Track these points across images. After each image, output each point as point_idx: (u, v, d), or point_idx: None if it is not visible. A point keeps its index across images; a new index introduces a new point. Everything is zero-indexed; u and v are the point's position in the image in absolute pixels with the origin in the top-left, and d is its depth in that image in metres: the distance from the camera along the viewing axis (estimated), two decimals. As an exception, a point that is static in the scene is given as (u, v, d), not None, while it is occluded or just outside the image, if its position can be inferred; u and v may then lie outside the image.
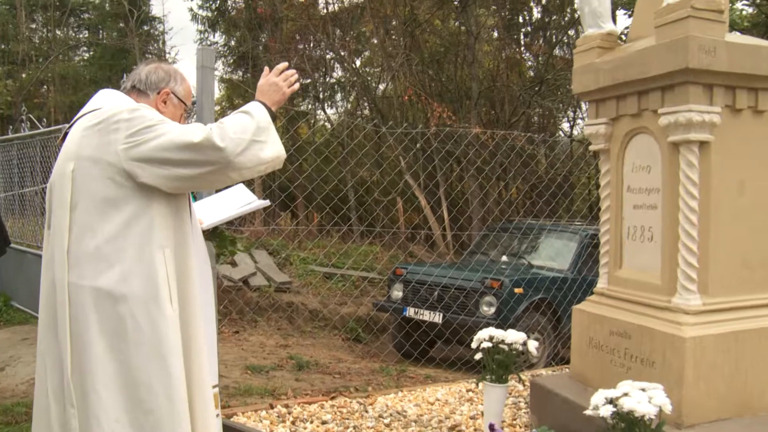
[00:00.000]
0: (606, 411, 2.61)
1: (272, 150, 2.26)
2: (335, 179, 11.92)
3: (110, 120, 2.18)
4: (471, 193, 12.37)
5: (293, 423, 4.01)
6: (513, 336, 3.61)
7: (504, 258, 8.26)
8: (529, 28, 17.28)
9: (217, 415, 2.48)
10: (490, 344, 3.62)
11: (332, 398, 4.51)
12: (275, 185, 11.38)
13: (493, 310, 6.95)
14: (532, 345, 3.66)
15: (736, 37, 3.16)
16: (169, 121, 2.23)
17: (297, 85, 2.50)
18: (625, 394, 2.63)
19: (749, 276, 3.21)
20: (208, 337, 2.47)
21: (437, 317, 7.22)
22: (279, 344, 7.85)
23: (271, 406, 4.27)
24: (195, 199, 3.25)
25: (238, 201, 2.84)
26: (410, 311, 7.54)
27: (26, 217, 7.16)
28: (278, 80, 2.44)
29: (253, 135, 2.20)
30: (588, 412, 2.67)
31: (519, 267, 7.77)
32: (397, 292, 7.88)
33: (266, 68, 2.52)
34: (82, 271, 2.11)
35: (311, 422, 4.02)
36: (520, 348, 3.65)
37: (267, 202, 2.75)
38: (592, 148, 3.65)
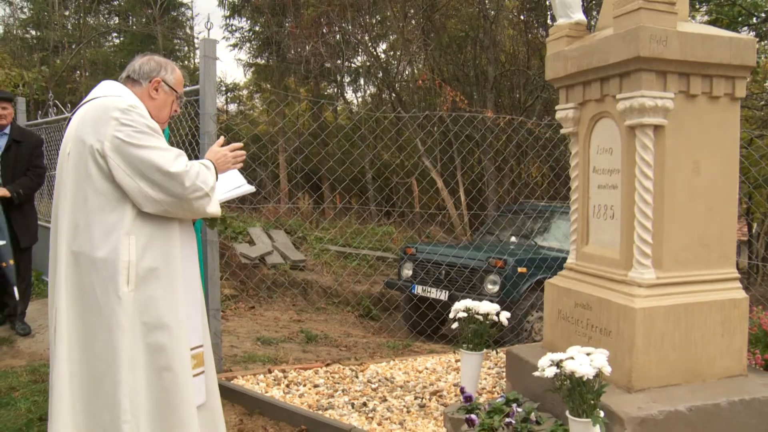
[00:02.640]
0: (551, 372, 2.86)
1: (213, 207, 2.67)
2: (361, 163, 12.22)
3: (104, 112, 2.51)
4: (488, 176, 12.55)
5: (287, 386, 4.34)
6: (486, 307, 3.86)
7: (513, 239, 8.49)
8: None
9: (201, 373, 2.79)
10: (465, 314, 3.89)
11: (327, 365, 4.83)
12: (301, 175, 11.69)
13: (496, 288, 7.20)
14: (504, 316, 3.91)
15: (690, 27, 3.32)
16: (154, 133, 2.52)
17: (241, 164, 2.94)
18: (570, 358, 2.88)
19: (705, 252, 3.41)
20: (192, 303, 2.78)
21: (443, 294, 7.51)
22: (293, 319, 8.21)
23: (269, 371, 4.61)
24: None
25: (230, 184, 3.09)
26: (418, 289, 7.84)
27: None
28: (229, 156, 2.86)
29: (209, 190, 2.61)
30: (536, 373, 2.93)
31: (527, 247, 7.98)
32: (407, 271, 8.18)
33: (222, 138, 2.97)
34: (69, 239, 2.49)
35: (304, 385, 4.35)
36: (495, 318, 3.91)
37: (253, 188, 3.03)
38: (562, 131, 3.86)
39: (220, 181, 3.10)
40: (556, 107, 3.90)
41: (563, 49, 3.69)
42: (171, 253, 2.60)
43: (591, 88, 3.55)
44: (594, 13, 12.65)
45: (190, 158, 5.09)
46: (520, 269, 7.30)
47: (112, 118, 2.47)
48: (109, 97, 2.59)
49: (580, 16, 3.72)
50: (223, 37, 17.68)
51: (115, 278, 2.44)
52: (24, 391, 4.43)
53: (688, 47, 3.18)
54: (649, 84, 3.17)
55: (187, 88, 4.91)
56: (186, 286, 2.69)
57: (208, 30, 4.63)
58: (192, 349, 2.73)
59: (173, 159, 2.50)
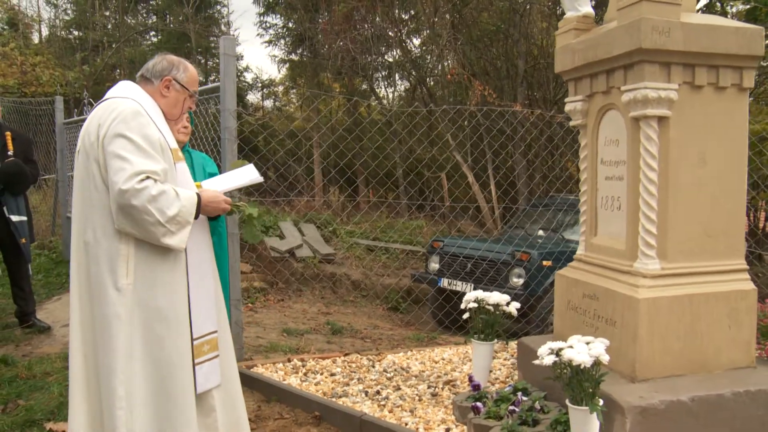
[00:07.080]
0: (549, 360, 2.91)
1: (175, 241, 2.55)
2: (394, 158, 12.32)
3: (107, 112, 2.64)
4: (519, 170, 12.51)
5: (305, 374, 4.47)
6: (496, 297, 3.92)
7: (540, 232, 8.47)
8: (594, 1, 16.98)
9: (215, 357, 2.91)
10: (476, 305, 3.95)
11: (345, 355, 4.94)
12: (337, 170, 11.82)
13: (521, 281, 7.21)
14: (514, 306, 3.96)
15: (695, 17, 3.31)
16: (142, 141, 2.55)
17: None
18: (570, 346, 2.92)
19: (711, 243, 3.40)
20: (203, 291, 2.89)
21: (469, 288, 7.54)
22: (321, 311, 8.35)
23: (288, 360, 4.74)
24: (205, 177, 3.68)
25: (244, 177, 3.19)
26: (444, 282, 7.89)
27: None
28: (223, 204, 2.84)
29: (166, 221, 2.50)
30: (535, 361, 2.99)
31: (555, 241, 7.95)
32: (434, 264, 8.24)
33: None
34: (80, 229, 2.65)
35: (321, 374, 4.47)
36: (506, 309, 3.96)
37: (261, 179, 3.12)
38: (571, 123, 3.89)
39: (236, 176, 3.19)
40: (566, 100, 3.92)
41: (571, 42, 3.71)
42: None
43: (598, 81, 3.58)
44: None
45: (210, 152, 5.21)
46: (545, 262, 7.29)
47: (110, 118, 2.58)
48: (117, 99, 2.69)
49: (587, 9, 3.74)
50: (258, 34, 17.94)
51: (115, 270, 2.55)
52: (57, 376, 4.66)
53: (693, 38, 3.17)
54: (652, 75, 3.18)
55: (209, 86, 5.06)
56: (194, 276, 2.78)
57: (229, 27, 4.77)
58: (205, 335, 2.84)
59: (128, 175, 2.46)
